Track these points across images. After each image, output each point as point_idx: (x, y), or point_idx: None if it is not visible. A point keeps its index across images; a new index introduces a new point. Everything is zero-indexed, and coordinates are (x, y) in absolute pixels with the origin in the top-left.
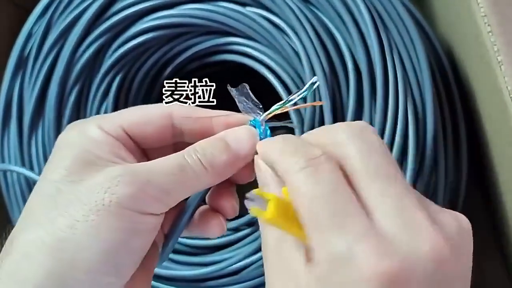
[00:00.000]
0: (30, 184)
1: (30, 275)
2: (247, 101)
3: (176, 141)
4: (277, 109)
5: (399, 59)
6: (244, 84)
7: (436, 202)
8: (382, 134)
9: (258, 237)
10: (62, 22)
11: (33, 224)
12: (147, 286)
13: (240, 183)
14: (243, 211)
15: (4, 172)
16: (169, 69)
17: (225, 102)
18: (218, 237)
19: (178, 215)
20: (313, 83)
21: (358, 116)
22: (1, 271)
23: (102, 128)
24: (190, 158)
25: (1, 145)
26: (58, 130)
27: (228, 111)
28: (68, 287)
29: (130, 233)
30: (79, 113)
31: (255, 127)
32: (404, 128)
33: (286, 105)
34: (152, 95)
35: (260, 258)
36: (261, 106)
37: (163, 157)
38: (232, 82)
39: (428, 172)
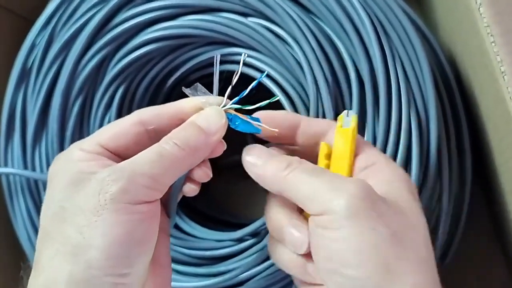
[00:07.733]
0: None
1: (56, 284)
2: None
3: (154, 143)
4: (237, 104)
5: (401, 68)
6: (196, 83)
7: (440, 212)
8: (385, 145)
9: (263, 247)
10: (65, 33)
11: (49, 241)
12: (166, 274)
13: (214, 157)
14: (247, 221)
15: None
16: (171, 80)
17: None
18: (224, 248)
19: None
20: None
21: (361, 126)
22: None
23: (83, 149)
24: (167, 145)
25: (4, 156)
26: (61, 141)
27: (188, 98)
28: (91, 286)
29: (131, 224)
30: (82, 124)
31: None
32: (408, 138)
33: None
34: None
35: (265, 269)
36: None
37: (143, 151)
38: (233, 90)
39: (432, 183)
